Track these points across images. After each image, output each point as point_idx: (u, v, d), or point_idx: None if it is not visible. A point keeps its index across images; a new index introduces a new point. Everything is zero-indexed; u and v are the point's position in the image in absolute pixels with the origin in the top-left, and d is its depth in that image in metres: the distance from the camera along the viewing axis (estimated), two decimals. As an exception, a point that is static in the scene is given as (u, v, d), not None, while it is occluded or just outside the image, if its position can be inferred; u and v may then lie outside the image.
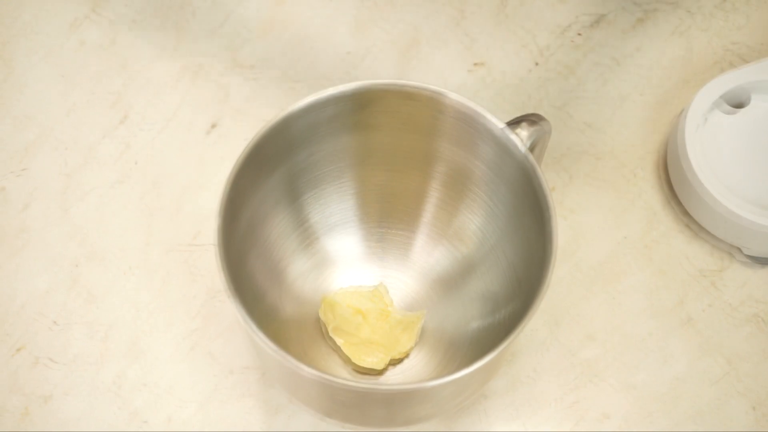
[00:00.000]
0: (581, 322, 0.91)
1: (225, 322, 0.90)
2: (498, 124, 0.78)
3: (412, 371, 0.86)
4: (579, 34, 1.05)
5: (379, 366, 0.85)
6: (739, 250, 0.94)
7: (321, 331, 0.87)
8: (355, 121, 0.81)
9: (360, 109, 0.79)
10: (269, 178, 0.81)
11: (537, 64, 1.04)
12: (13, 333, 0.90)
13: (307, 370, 0.68)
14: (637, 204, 0.97)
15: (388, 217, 0.90)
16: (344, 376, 0.85)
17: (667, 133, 1.00)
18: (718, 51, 1.05)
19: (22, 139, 0.99)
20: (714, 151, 0.94)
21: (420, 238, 0.91)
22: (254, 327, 0.68)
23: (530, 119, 0.78)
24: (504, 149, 0.78)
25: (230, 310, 0.91)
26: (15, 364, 0.88)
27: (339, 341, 0.86)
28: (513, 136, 0.77)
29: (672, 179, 0.96)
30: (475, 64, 1.04)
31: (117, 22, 1.05)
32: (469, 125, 0.80)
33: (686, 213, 0.95)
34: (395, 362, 0.87)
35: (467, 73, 1.03)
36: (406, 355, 0.86)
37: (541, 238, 0.75)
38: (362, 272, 0.91)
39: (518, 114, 0.80)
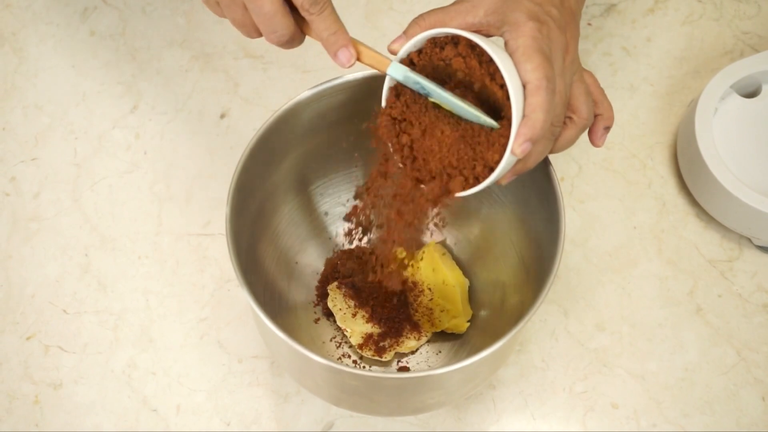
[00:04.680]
0: (591, 311, 0.91)
1: (235, 311, 0.90)
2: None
3: (420, 359, 0.86)
4: (589, 24, 1.05)
5: (385, 358, 0.84)
6: (750, 240, 0.94)
7: (331, 319, 0.88)
8: (365, 109, 0.80)
9: (369, 96, 0.79)
10: (279, 167, 0.81)
11: (547, 53, 1.04)
12: (24, 321, 0.90)
13: (316, 359, 0.68)
14: (648, 194, 0.96)
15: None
16: (353, 365, 0.85)
17: (678, 123, 1.00)
18: (729, 41, 1.05)
19: (32, 128, 0.99)
20: (725, 140, 0.94)
21: (429, 227, 0.91)
22: (264, 315, 0.69)
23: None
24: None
25: (240, 298, 0.91)
26: (26, 352, 0.89)
27: (347, 330, 0.86)
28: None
29: (682, 169, 0.96)
30: (485, 54, 1.04)
31: (127, 12, 1.05)
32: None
33: (696, 203, 0.95)
34: (401, 355, 0.86)
35: (477, 63, 1.03)
36: (413, 351, 0.86)
37: (549, 227, 0.75)
38: (371, 261, 0.91)
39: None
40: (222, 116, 1.00)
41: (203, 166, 0.97)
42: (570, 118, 0.71)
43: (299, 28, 0.70)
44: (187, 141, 0.98)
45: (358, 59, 0.71)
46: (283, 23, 0.69)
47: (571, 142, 0.72)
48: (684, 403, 0.87)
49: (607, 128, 0.75)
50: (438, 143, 0.71)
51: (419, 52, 0.71)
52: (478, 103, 0.70)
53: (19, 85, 1.02)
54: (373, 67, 0.71)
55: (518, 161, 0.69)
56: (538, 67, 0.66)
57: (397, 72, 0.70)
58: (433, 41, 0.70)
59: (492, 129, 0.68)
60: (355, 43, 0.70)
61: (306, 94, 0.77)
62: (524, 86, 0.66)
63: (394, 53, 0.72)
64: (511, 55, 0.67)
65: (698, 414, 0.87)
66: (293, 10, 0.69)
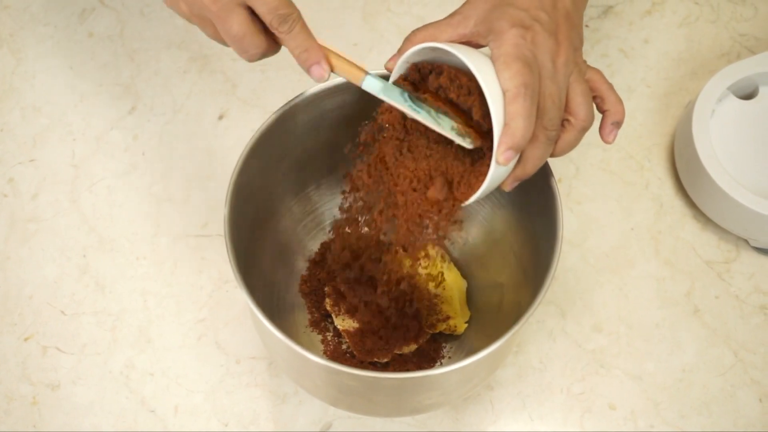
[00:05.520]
0: (589, 312, 0.91)
1: (232, 312, 0.90)
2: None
3: (418, 361, 0.87)
4: (587, 26, 1.05)
5: (384, 359, 0.85)
6: (747, 241, 0.94)
7: (329, 320, 0.88)
8: (362, 111, 0.81)
9: (367, 98, 0.79)
10: (277, 168, 0.81)
11: (545, 55, 1.04)
12: (22, 322, 0.90)
13: (314, 359, 0.68)
14: (645, 195, 0.97)
15: (394, 207, 0.90)
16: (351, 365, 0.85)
17: (675, 125, 1.00)
18: (726, 42, 1.05)
19: (31, 129, 0.99)
20: (722, 142, 0.94)
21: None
22: (263, 316, 0.69)
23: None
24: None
25: (238, 299, 0.91)
26: (24, 353, 0.89)
27: (345, 331, 0.86)
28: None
29: (679, 170, 0.96)
30: (483, 56, 1.04)
31: (125, 14, 1.06)
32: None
33: (694, 204, 0.95)
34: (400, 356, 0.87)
35: (475, 65, 1.03)
36: (411, 352, 0.86)
37: (547, 228, 0.75)
38: (369, 262, 0.91)
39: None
40: (220, 117, 1.00)
41: (201, 167, 0.97)
42: (567, 120, 0.71)
43: (272, 40, 0.70)
44: (185, 142, 0.99)
45: (333, 71, 0.70)
46: (253, 43, 0.69)
47: (572, 144, 0.72)
48: (681, 403, 0.87)
49: (616, 123, 0.74)
50: (433, 159, 0.72)
51: (405, 77, 0.71)
52: (469, 118, 0.70)
53: (17, 86, 1.02)
54: (347, 79, 0.71)
55: (517, 167, 0.69)
56: (516, 75, 0.66)
57: (373, 86, 0.70)
58: (417, 69, 0.70)
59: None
60: (329, 56, 0.70)
61: (304, 95, 0.78)
62: (504, 95, 0.66)
63: (390, 71, 0.72)
64: (493, 63, 0.67)
65: (695, 415, 0.87)
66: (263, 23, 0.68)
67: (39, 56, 1.03)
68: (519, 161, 0.69)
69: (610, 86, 0.74)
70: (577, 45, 0.71)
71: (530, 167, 0.70)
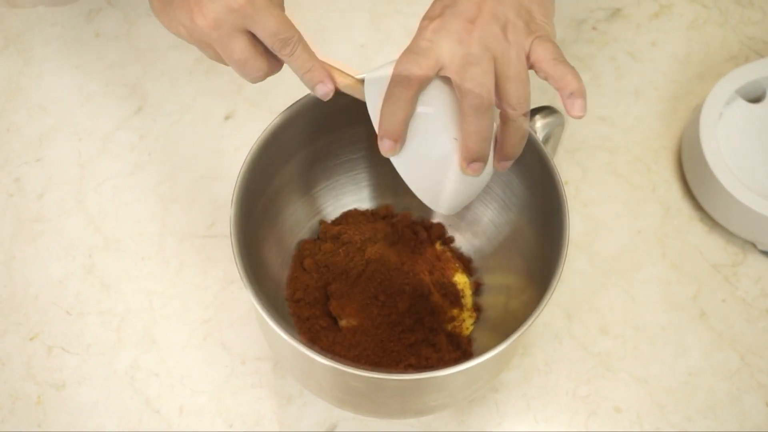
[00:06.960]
0: (595, 315, 0.91)
1: (238, 313, 0.90)
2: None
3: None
4: (594, 29, 1.05)
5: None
6: (754, 245, 0.94)
7: (334, 320, 0.88)
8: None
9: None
10: (284, 169, 0.81)
11: (552, 57, 1.04)
12: (27, 321, 0.90)
13: (319, 359, 0.68)
14: (652, 198, 0.96)
15: (401, 209, 0.90)
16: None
17: (683, 128, 1.00)
18: (734, 46, 1.05)
19: (37, 129, 0.99)
20: (729, 145, 0.94)
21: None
22: (268, 316, 0.69)
23: (543, 111, 0.78)
24: (518, 141, 0.78)
25: (243, 300, 0.91)
26: (29, 353, 0.89)
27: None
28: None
29: (687, 173, 0.96)
30: (490, 58, 1.04)
31: (132, 14, 1.06)
32: (483, 116, 0.79)
33: (701, 207, 0.95)
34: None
35: (482, 66, 1.03)
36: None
37: (553, 231, 0.75)
38: (375, 264, 0.90)
39: (532, 107, 0.79)
40: (226, 118, 1.00)
41: (207, 167, 0.97)
42: (505, 112, 0.69)
43: (274, 61, 0.71)
44: (191, 142, 0.99)
45: (338, 88, 0.72)
46: (255, 66, 0.69)
47: (517, 136, 0.70)
48: (687, 407, 0.87)
49: (573, 95, 0.68)
50: None
51: None
52: None
53: (23, 85, 1.02)
54: (353, 95, 0.72)
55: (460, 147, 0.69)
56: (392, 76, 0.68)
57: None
58: None
59: None
60: (332, 73, 0.71)
61: (311, 96, 0.77)
62: None
63: None
64: None
65: (701, 418, 0.87)
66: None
67: (46, 56, 1.03)
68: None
69: (557, 61, 0.69)
70: (510, 18, 0.68)
71: (473, 144, 0.68)
